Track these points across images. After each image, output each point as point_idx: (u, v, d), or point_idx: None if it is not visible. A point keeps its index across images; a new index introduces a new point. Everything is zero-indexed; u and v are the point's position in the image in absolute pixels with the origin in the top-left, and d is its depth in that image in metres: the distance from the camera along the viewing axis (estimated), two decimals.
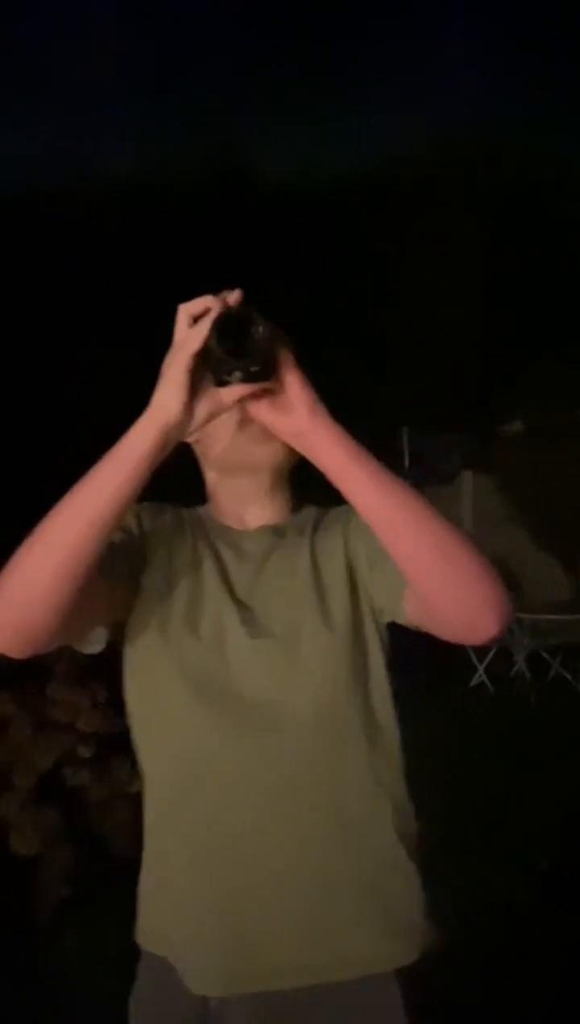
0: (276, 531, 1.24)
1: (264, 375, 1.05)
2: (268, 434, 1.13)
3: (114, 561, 1.11)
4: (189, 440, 1.22)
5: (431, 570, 1.05)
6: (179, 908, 1.19)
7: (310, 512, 1.27)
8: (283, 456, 1.21)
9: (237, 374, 1.03)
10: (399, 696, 1.25)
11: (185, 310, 1.03)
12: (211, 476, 1.27)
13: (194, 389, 1.01)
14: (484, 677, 5.30)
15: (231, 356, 1.01)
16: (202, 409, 1.03)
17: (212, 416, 1.05)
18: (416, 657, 1.14)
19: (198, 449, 1.25)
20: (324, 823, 1.15)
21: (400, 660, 1.17)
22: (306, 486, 1.31)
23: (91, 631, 1.17)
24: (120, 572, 1.15)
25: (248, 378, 1.04)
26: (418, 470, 6.66)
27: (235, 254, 3.27)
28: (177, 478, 1.27)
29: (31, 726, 2.68)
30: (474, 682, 5.34)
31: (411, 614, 1.15)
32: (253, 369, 1.04)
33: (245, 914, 1.15)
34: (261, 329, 1.03)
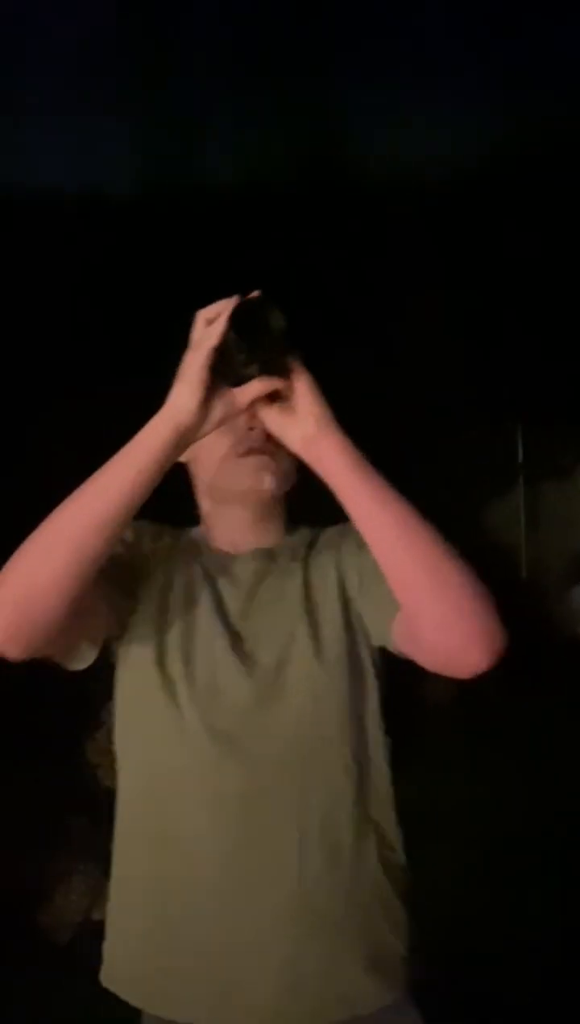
0: (268, 555, 1.21)
1: (280, 370, 1.04)
2: (263, 465, 1.13)
3: (112, 572, 1.10)
4: (184, 460, 1.22)
5: (422, 591, 1.02)
6: (148, 942, 1.16)
7: (304, 534, 1.25)
8: (276, 489, 1.20)
9: (253, 367, 1.02)
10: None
11: (202, 314, 1.04)
12: (204, 502, 1.25)
13: (210, 389, 1.02)
14: None
15: (247, 346, 1.01)
16: (217, 410, 1.03)
17: (226, 418, 1.04)
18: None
19: (194, 473, 1.24)
20: (311, 856, 1.12)
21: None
22: (302, 506, 1.28)
23: (81, 643, 1.15)
24: (117, 584, 1.14)
25: (264, 370, 1.03)
26: (534, 464, 6.51)
27: (342, 248, 3.26)
28: (179, 499, 1.26)
29: None
30: None
31: (399, 641, 1.11)
32: (269, 361, 1.03)
33: (222, 951, 1.12)
34: (278, 321, 1.01)
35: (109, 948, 1.23)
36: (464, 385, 3.86)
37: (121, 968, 1.22)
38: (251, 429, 1.16)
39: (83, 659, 1.16)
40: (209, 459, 1.19)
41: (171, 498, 1.25)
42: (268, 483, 1.18)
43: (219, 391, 1.04)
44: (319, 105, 3.48)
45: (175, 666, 1.16)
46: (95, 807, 2.70)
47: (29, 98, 3.21)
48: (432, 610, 1.03)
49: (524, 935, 2.61)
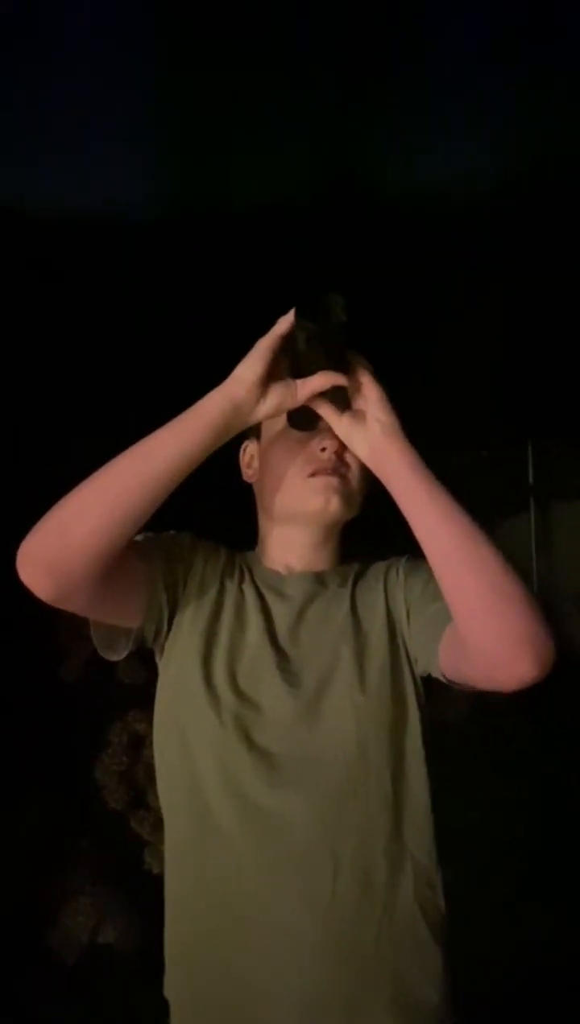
0: (318, 578, 1.23)
1: (344, 369, 1.07)
2: (332, 486, 1.15)
3: (157, 556, 1.13)
4: (249, 481, 1.23)
5: (476, 597, 1.03)
6: (190, 967, 1.17)
7: (353, 564, 1.27)
8: (342, 512, 1.21)
9: (315, 357, 1.05)
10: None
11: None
12: (266, 522, 1.27)
13: (272, 372, 1.06)
14: None
15: (308, 332, 1.05)
16: (275, 394, 1.07)
17: (282, 407, 1.08)
18: None
19: (259, 493, 1.26)
20: (344, 884, 1.10)
21: None
22: (355, 538, 1.30)
23: (115, 628, 1.16)
24: (160, 569, 1.16)
25: (328, 366, 1.05)
26: (544, 483, 6.48)
27: (354, 272, 3.27)
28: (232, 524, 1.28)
29: None
30: None
31: (447, 661, 1.11)
32: (331, 354, 1.06)
33: (247, 974, 1.11)
34: (339, 313, 1.05)
35: (168, 960, 1.24)
36: (473, 405, 3.86)
37: (176, 983, 1.21)
38: (323, 450, 1.18)
39: (119, 649, 1.18)
40: (278, 478, 1.21)
41: (225, 523, 1.27)
42: (334, 504, 1.20)
43: (282, 378, 1.07)
44: (341, 128, 3.50)
45: (220, 677, 1.17)
46: (102, 827, 2.69)
47: (46, 122, 3.24)
48: (485, 617, 1.03)
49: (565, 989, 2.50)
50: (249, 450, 1.30)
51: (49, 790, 2.70)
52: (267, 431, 1.26)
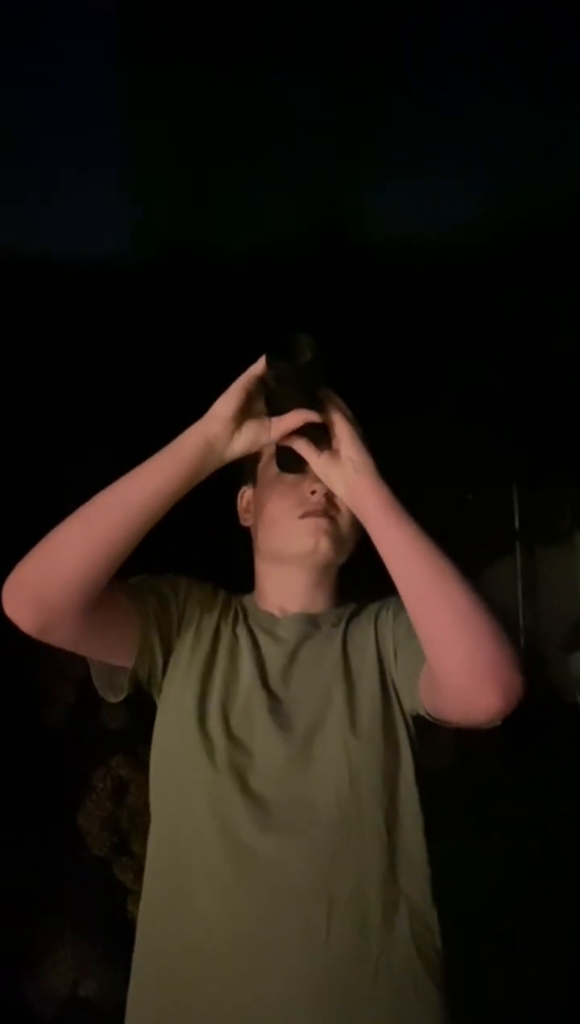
0: (311, 620, 1.25)
1: (310, 402, 1.09)
2: (321, 528, 1.18)
3: (149, 597, 1.15)
4: (245, 524, 1.26)
5: (446, 633, 1.05)
6: (170, 1016, 1.13)
7: (349, 605, 1.29)
8: (332, 554, 1.23)
9: (288, 397, 1.07)
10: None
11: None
12: (261, 565, 1.29)
13: (247, 410, 1.09)
14: None
15: (278, 372, 1.07)
16: (249, 430, 1.10)
17: (255, 443, 1.11)
18: None
19: (253, 536, 1.28)
20: (340, 928, 1.09)
21: None
22: (349, 580, 1.32)
23: (113, 661, 1.16)
24: (152, 610, 1.18)
25: (301, 405, 1.08)
26: (530, 528, 6.51)
27: (342, 317, 3.31)
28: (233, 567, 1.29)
29: None
30: None
31: (425, 696, 1.13)
32: (303, 393, 1.08)
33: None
34: (308, 352, 1.07)
35: (135, 1011, 1.21)
36: (459, 449, 3.89)
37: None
38: (312, 493, 1.21)
39: (117, 690, 1.18)
40: (271, 520, 1.24)
41: (226, 566, 1.27)
42: (324, 545, 1.22)
43: (257, 416, 1.07)
44: (331, 174, 3.55)
45: (214, 722, 1.18)
46: (86, 875, 2.64)
47: (33, 166, 3.28)
48: (450, 650, 1.05)
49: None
50: (246, 496, 1.33)
51: (31, 836, 2.66)
52: (262, 476, 1.28)
